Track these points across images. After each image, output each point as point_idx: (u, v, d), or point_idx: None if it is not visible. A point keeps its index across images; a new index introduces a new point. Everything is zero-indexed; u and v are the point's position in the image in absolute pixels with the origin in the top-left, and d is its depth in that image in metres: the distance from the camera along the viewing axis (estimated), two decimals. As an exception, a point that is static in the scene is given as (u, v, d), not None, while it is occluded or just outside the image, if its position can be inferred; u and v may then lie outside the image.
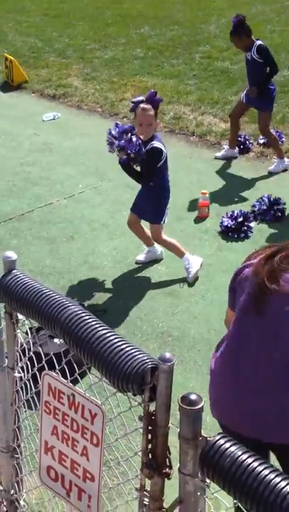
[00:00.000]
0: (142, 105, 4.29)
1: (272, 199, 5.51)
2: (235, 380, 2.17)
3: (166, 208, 4.59)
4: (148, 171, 4.42)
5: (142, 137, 4.34)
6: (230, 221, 5.24)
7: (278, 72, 6.25)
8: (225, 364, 2.23)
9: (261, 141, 6.79)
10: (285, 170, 6.30)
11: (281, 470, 1.29)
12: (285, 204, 5.50)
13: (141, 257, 4.90)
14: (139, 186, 4.72)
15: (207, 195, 5.56)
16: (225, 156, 6.61)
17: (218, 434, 1.33)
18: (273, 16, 11.40)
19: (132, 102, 4.41)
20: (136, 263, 4.88)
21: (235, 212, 5.31)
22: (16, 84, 9.15)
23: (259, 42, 6.06)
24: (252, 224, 5.29)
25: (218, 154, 6.64)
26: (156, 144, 4.34)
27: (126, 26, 11.50)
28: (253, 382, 2.13)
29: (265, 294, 2.12)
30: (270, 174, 6.26)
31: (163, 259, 4.92)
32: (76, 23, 11.99)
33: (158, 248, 4.89)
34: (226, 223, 5.26)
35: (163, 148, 4.38)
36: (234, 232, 5.22)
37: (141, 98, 4.36)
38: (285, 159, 6.34)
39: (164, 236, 4.63)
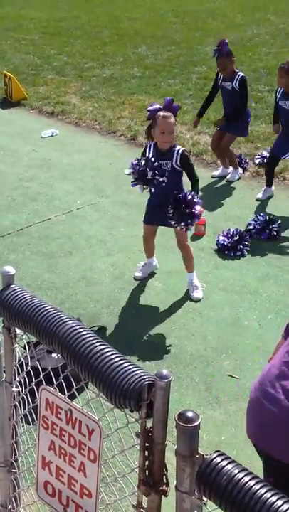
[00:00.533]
0: (162, 113, 4.26)
1: (267, 218, 5.55)
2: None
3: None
4: (194, 171, 4.47)
5: (162, 146, 4.34)
6: (226, 239, 5.27)
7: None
8: None
9: (257, 161, 6.85)
10: (239, 178, 6.65)
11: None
12: (280, 224, 5.54)
13: (139, 274, 4.91)
14: (136, 203, 4.74)
15: (204, 213, 5.59)
16: (221, 175, 6.74)
17: (215, 451, 1.34)
18: (268, 38, 11.56)
19: (149, 111, 4.39)
20: (134, 279, 4.89)
21: (231, 230, 5.34)
22: (15, 101, 9.23)
23: (241, 73, 6.31)
24: (248, 242, 5.33)
25: (215, 173, 6.73)
26: (181, 148, 4.41)
27: (123, 45, 11.63)
28: None
29: None
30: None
31: (156, 274, 4.94)
32: (74, 41, 12.13)
33: (154, 259, 4.93)
34: (222, 241, 5.29)
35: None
36: (230, 250, 5.25)
37: (157, 106, 4.34)
38: (240, 169, 6.70)
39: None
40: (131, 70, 10.30)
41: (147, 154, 4.43)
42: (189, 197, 4.30)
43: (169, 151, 4.38)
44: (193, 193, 4.35)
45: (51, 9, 14.74)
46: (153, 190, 4.47)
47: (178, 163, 4.38)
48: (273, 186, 6.34)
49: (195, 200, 4.31)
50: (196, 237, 5.52)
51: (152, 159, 4.33)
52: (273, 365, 2.34)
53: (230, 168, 6.68)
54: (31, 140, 7.89)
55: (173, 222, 4.37)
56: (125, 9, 14.34)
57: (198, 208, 4.32)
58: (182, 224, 4.32)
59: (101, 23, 13.31)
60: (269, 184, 6.22)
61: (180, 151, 4.38)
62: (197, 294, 4.66)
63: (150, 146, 4.47)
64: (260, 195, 6.22)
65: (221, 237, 5.33)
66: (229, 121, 6.33)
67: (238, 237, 5.27)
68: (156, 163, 4.32)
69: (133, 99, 9.01)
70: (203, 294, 4.69)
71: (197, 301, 4.63)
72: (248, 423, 2.36)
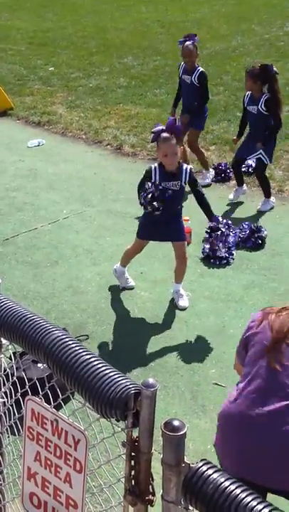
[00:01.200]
0: (163, 135, 4.19)
1: (253, 227, 5.58)
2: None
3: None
4: (200, 187, 4.52)
5: (169, 168, 4.30)
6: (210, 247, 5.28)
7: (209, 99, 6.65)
8: None
9: (243, 169, 6.88)
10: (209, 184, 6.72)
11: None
12: (265, 232, 5.58)
13: (123, 283, 4.92)
14: (122, 212, 4.76)
15: (189, 222, 5.61)
16: (207, 184, 6.75)
17: (201, 460, 1.34)
18: (252, 48, 11.68)
19: (152, 133, 4.32)
20: (120, 288, 4.88)
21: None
22: (0, 111, 9.22)
23: (201, 69, 6.44)
24: (233, 250, 5.34)
25: (231, 196, 6.54)
26: (188, 166, 4.43)
27: (110, 56, 11.68)
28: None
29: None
30: (252, 202, 6.35)
31: (142, 283, 4.94)
32: (61, 51, 12.16)
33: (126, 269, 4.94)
34: (207, 249, 5.30)
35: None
36: (216, 258, 5.25)
37: (160, 127, 4.26)
38: (211, 170, 6.81)
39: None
40: (117, 80, 10.35)
41: (153, 177, 4.34)
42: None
43: (177, 171, 4.34)
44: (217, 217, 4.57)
45: (38, 20, 14.78)
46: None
47: (186, 181, 4.38)
48: (245, 186, 6.42)
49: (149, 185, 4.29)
50: (183, 246, 5.53)
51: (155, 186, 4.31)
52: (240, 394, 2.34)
53: (204, 171, 6.79)
54: (17, 150, 7.88)
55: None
56: (112, 20, 14.41)
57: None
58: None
59: (88, 33, 13.37)
60: (240, 183, 6.37)
61: (188, 170, 4.36)
62: (183, 303, 4.67)
63: (155, 168, 4.37)
64: (231, 196, 6.36)
65: (207, 245, 5.33)
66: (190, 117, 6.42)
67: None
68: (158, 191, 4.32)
69: (119, 109, 9.04)
70: (188, 302, 4.70)
71: (183, 309, 4.63)
72: (231, 458, 2.31)
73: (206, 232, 4.55)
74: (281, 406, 2.20)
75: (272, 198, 6.29)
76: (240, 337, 2.54)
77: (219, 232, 4.64)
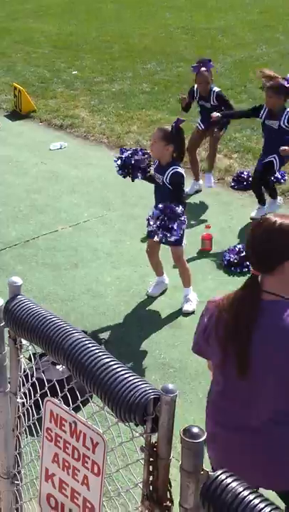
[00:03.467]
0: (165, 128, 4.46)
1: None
2: None
3: (184, 231, 4.56)
4: (179, 194, 4.45)
5: (152, 155, 4.50)
6: (232, 255, 5.27)
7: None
8: None
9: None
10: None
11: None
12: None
13: (150, 291, 4.89)
14: (142, 217, 4.76)
15: (211, 229, 5.60)
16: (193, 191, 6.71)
17: (220, 468, 1.33)
18: (277, 57, 11.62)
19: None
20: (148, 296, 4.86)
21: (238, 246, 5.34)
22: (24, 113, 9.29)
23: (215, 89, 6.36)
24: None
25: (252, 214, 6.34)
26: (178, 168, 4.44)
27: (133, 61, 11.72)
28: None
29: None
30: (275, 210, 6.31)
31: (167, 289, 4.94)
32: (84, 55, 12.22)
33: (165, 277, 4.92)
34: (228, 257, 5.29)
35: (183, 172, 4.50)
36: (237, 266, 5.24)
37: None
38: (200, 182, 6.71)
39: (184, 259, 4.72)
40: (140, 85, 10.37)
41: (153, 164, 4.58)
42: (168, 210, 4.18)
43: (166, 167, 4.45)
44: (178, 207, 4.22)
45: (62, 23, 14.88)
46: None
47: (167, 181, 4.44)
48: (267, 204, 6.24)
49: (178, 212, 4.19)
50: (203, 252, 5.52)
51: (140, 151, 4.47)
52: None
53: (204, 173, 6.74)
54: (40, 152, 7.93)
55: (152, 232, 4.34)
56: (135, 25, 14.46)
57: (175, 225, 4.16)
58: (159, 235, 4.24)
59: (111, 38, 13.42)
60: (262, 202, 6.17)
61: (172, 172, 4.41)
62: (187, 307, 4.66)
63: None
64: (253, 214, 6.08)
65: (228, 253, 5.33)
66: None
67: (244, 253, 5.26)
68: (143, 157, 4.43)
69: (142, 114, 9.06)
70: (195, 307, 4.65)
71: (186, 313, 4.61)
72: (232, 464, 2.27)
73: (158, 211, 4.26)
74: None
75: (279, 199, 6.25)
76: None
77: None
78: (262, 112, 5.84)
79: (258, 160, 6.19)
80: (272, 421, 2.13)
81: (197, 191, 6.71)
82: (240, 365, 2.10)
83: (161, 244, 4.69)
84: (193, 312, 4.62)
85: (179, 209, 4.19)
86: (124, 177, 4.56)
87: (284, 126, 5.69)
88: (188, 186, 6.43)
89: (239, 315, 2.12)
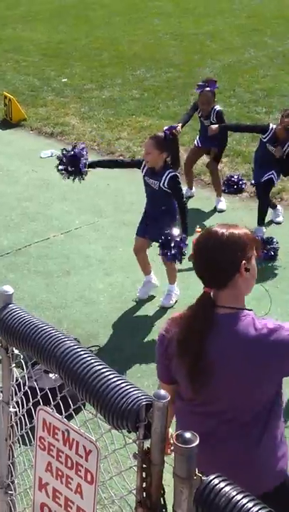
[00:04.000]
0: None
1: (265, 238, 5.56)
2: None
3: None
4: (180, 194, 4.56)
5: (148, 165, 4.54)
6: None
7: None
8: None
9: (254, 182, 6.88)
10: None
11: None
12: (277, 243, 5.55)
13: (142, 294, 4.90)
14: (134, 223, 4.77)
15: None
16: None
17: (213, 473, 1.33)
18: (266, 60, 11.69)
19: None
20: (135, 301, 4.87)
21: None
22: (14, 121, 9.30)
23: (217, 108, 6.31)
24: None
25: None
26: (173, 171, 4.51)
27: (122, 67, 11.75)
28: None
29: None
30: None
31: (154, 294, 4.94)
32: (74, 63, 12.25)
33: (152, 276, 4.94)
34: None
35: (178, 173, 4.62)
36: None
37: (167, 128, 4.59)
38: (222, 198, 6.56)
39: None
40: (130, 91, 10.40)
41: (142, 168, 4.62)
42: (177, 238, 4.36)
43: (160, 172, 4.50)
44: (183, 235, 4.42)
45: (51, 31, 14.91)
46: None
47: (165, 185, 4.49)
48: (279, 206, 6.28)
49: (182, 240, 4.37)
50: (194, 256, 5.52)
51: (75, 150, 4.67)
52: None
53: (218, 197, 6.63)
54: (30, 160, 7.93)
55: (164, 257, 4.45)
56: (124, 32, 14.51)
57: (184, 247, 4.38)
58: (171, 260, 4.43)
59: (100, 45, 13.46)
60: (272, 206, 6.21)
61: (169, 175, 4.48)
62: (164, 300, 4.76)
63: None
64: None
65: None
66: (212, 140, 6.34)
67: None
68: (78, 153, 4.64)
69: (132, 121, 9.09)
70: (173, 302, 4.75)
71: (163, 307, 4.72)
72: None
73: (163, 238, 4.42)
74: None
75: (279, 207, 6.26)
76: None
77: None
78: (267, 134, 5.72)
79: (254, 172, 6.10)
80: (239, 426, 2.09)
81: (189, 197, 6.73)
82: (192, 381, 2.05)
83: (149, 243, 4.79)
84: (171, 307, 4.70)
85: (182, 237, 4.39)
86: (68, 177, 4.70)
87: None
88: None
89: (190, 332, 2.07)
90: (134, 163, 4.83)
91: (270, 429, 2.10)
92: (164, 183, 4.48)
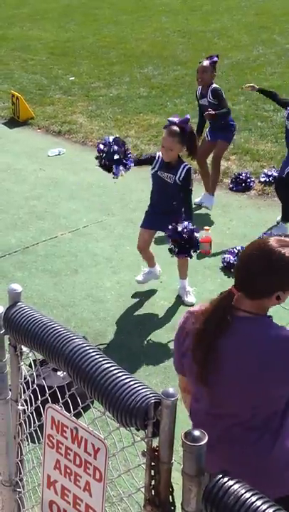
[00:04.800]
0: (170, 128, 4.39)
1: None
2: None
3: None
4: (191, 189, 4.57)
5: (164, 158, 4.48)
6: (232, 257, 5.28)
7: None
8: None
9: (262, 179, 6.87)
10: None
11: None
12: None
13: (140, 278, 4.94)
14: (141, 221, 4.79)
15: (210, 232, 5.61)
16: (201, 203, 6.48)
17: (222, 471, 1.33)
18: (274, 58, 11.65)
19: (168, 120, 4.53)
20: (137, 282, 4.93)
21: (238, 248, 5.34)
22: (22, 120, 9.31)
23: (214, 85, 6.11)
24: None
25: (197, 200, 6.39)
26: (188, 164, 4.51)
27: (130, 65, 11.74)
28: None
29: None
30: (272, 212, 6.31)
31: (162, 292, 4.94)
32: (81, 61, 12.25)
33: (157, 268, 4.94)
34: (227, 259, 5.29)
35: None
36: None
37: (175, 119, 4.44)
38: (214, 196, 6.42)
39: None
40: (137, 89, 10.39)
41: (155, 163, 4.57)
42: (186, 229, 4.31)
43: (176, 166, 4.48)
44: (190, 223, 4.36)
45: (59, 30, 14.93)
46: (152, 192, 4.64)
47: (181, 178, 4.47)
48: None
49: (193, 230, 4.34)
50: (202, 255, 5.52)
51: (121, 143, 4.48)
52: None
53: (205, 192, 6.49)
54: (38, 159, 7.95)
55: (175, 252, 4.41)
56: (132, 30, 14.50)
57: (197, 235, 4.37)
58: (183, 255, 4.41)
59: (108, 43, 13.46)
60: None
61: (186, 168, 4.47)
62: (190, 299, 4.76)
63: (159, 156, 4.57)
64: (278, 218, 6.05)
65: (227, 255, 5.33)
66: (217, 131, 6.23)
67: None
68: (126, 150, 4.46)
69: (139, 119, 9.08)
70: (195, 298, 4.78)
71: (190, 305, 4.65)
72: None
73: (172, 233, 4.35)
74: None
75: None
76: None
77: None
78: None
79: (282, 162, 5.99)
80: (249, 430, 2.09)
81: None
82: (201, 376, 2.06)
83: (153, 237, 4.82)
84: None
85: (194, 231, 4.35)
86: (109, 171, 4.55)
87: None
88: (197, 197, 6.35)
89: (207, 325, 2.07)
90: (149, 160, 4.65)
91: (282, 437, 2.09)
92: (179, 176, 4.46)
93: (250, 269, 2.06)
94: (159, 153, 4.59)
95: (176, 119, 4.44)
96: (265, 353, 2.02)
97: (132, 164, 4.50)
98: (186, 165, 4.51)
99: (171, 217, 4.50)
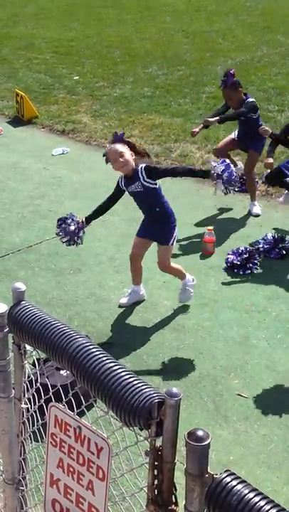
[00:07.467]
0: (107, 147, 4.49)
1: (276, 237, 5.54)
2: None
3: (175, 231, 4.58)
4: (168, 167, 4.63)
5: (122, 172, 4.45)
6: (235, 257, 5.27)
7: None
8: None
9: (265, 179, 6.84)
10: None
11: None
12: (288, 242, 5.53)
13: (123, 300, 4.81)
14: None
15: (213, 232, 5.60)
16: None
17: (225, 471, 1.33)
18: (278, 58, 11.64)
19: (105, 150, 4.54)
20: (119, 307, 4.80)
21: (241, 248, 5.34)
22: (26, 119, 9.32)
23: (250, 99, 6.02)
24: (257, 261, 5.31)
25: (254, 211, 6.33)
26: (143, 164, 4.39)
27: (134, 65, 11.74)
28: None
29: None
30: (276, 212, 6.30)
31: (165, 292, 4.94)
32: (85, 60, 12.26)
33: (141, 287, 4.86)
34: (231, 259, 5.29)
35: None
36: (239, 268, 5.24)
37: (109, 145, 4.49)
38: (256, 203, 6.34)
39: (171, 262, 4.68)
40: (141, 89, 10.39)
41: (119, 184, 4.56)
42: (220, 166, 4.10)
43: (135, 173, 4.39)
44: (215, 162, 4.18)
45: (63, 29, 14.94)
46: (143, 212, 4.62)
47: (146, 179, 4.38)
48: None
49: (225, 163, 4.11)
50: (205, 255, 5.52)
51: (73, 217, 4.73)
52: None
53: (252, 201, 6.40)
54: (42, 158, 7.96)
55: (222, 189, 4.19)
56: (136, 29, 14.50)
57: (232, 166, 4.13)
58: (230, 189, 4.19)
59: (112, 43, 13.46)
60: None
61: (142, 168, 4.36)
62: (183, 297, 4.72)
63: (120, 176, 4.53)
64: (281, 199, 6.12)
65: (230, 255, 5.33)
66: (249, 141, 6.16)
67: (247, 255, 5.26)
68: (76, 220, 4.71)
69: (143, 118, 9.08)
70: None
71: (181, 301, 4.71)
72: None
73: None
74: None
75: None
76: None
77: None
78: None
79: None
80: None
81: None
82: None
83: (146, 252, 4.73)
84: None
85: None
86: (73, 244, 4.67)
87: None
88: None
89: None
90: (118, 191, 4.64)
91: None
92: (143, 178, 4.37)
93: None
94: (120, 176, 4.54)
95: (109, 145, 4.47)
96: None
97: (83, 233, 4.69)
98: (140, 165, 4.38)
99: (161, 225, 4.52)
